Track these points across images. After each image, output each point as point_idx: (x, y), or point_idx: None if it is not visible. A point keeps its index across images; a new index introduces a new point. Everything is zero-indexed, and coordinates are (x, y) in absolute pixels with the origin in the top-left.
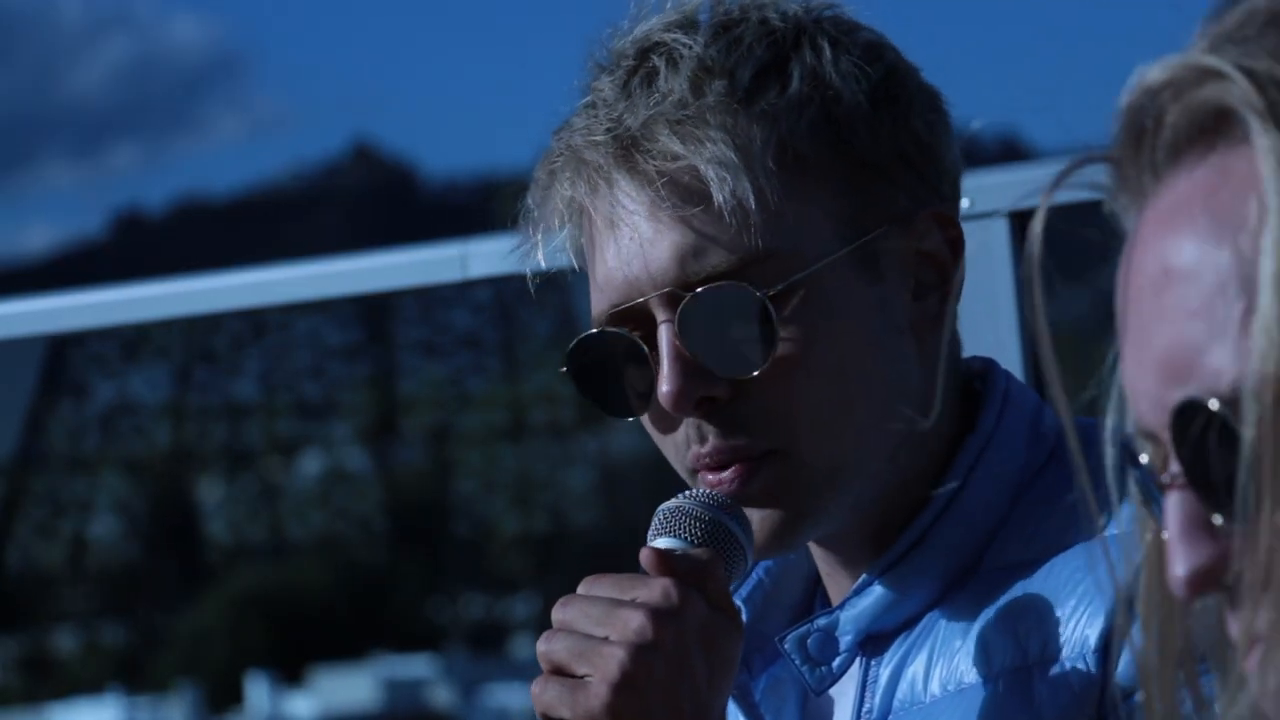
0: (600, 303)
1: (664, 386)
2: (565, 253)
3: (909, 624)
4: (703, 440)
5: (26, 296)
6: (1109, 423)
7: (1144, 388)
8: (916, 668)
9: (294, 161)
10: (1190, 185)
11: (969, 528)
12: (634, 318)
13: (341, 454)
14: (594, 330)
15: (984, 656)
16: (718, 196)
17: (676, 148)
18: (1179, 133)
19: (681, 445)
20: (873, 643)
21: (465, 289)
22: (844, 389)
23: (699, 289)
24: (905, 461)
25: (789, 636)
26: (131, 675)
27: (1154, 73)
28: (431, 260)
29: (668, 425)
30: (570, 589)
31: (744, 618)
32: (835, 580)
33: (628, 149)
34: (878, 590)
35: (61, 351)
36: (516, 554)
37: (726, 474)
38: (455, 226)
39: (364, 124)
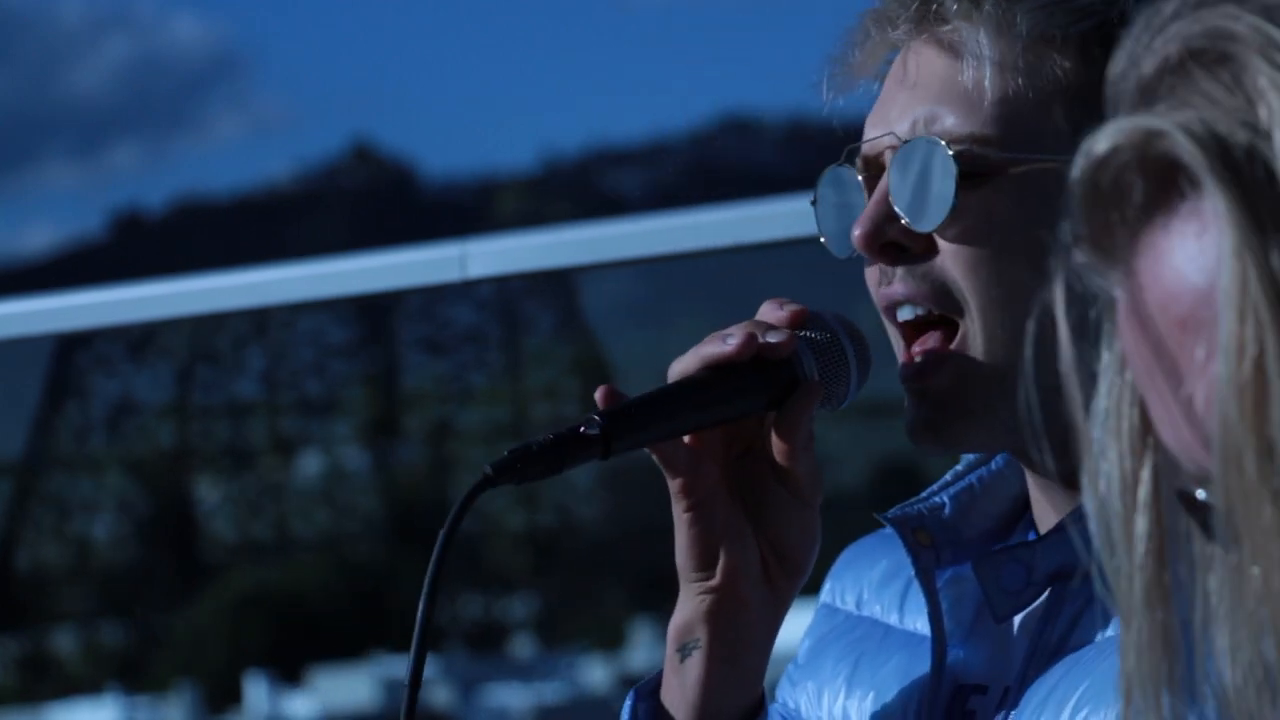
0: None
1: (856, 229)
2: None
3: None
4: (887, 281)
5: (29, 296)
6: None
7: (1193, 435)
8: (1098, 607)
9: (294, 161)
10: (1171, 237)
11: None
12: (871, 162)
13: (341, 453)
14: (836, 165)
15: None
16: (967, 74)
17: (955, 19)
18: (1147, 188)
19: (875, 283)
20: (1063, 579)
21: (467, 286)
22: (1015, 284)
23: (909, 140)
24: None
25: (984, 560)
26: (131, 675)
27: (1100, 142)
28: (431, 260)
29: (868, 261)
30: (570, 587)
31: (946, 512)
32: (1041, 508)
33: (923, 16)
34: (1078, 531)
35: (67, 352)
36: (515, 553)
37: (916, 352)
38: (455, 226)
39: (364, 124)
